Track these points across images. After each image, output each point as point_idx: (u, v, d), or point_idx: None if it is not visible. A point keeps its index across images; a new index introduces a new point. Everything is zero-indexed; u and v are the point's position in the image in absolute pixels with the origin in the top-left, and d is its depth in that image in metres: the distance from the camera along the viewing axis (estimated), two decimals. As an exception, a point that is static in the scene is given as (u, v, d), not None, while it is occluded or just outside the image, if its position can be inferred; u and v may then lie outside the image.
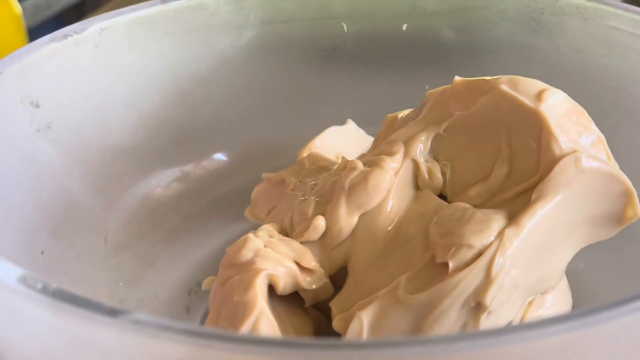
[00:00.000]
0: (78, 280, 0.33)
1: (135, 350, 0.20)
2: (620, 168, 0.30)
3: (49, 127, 0.35)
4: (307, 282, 0.31)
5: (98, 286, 0.34)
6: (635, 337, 0.21)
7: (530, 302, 0.30)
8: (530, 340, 0.19)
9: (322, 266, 0.31)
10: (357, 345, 0.20)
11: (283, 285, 0.30)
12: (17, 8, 0.54)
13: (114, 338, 0.20)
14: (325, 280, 0.31)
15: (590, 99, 0.33)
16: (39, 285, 0.20)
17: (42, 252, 0.32)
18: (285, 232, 0.33)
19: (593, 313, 0.20)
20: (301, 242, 0.31)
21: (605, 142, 0.31)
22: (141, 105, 0.40)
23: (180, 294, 0.36)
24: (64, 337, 0.21)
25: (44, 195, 0.34)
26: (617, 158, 0.31)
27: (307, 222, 0.32)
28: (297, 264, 0.31)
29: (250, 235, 0.31)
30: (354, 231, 0.32)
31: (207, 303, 0.31)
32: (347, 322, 0.29)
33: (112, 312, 0.20)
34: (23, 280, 0.21)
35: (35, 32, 0.54)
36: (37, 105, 0.34)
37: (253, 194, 0.38)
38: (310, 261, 0.31)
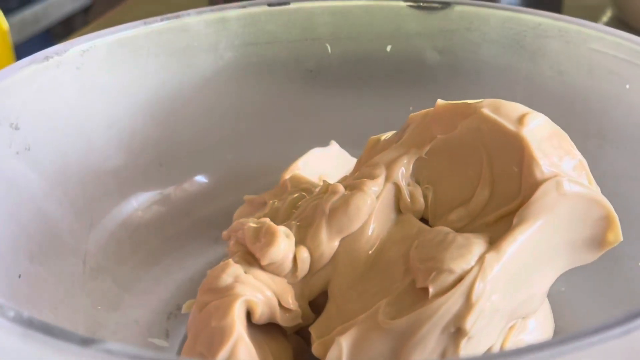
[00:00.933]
0: (56, 304, 0.33)
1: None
2: (602, 192, 0.30)
3: (29, 149, 0.35)
4: (283, 319, 0.31)
5: (76, 310, 0.34)
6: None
7: (511, 327, 0.30)
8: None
9: (301, 292, 0.31)
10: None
11: (260, 314, 0.30)
12: (4, 24, 0.54)
13: (86, 367, 0.20)
14: (300, 320, 0.31)
15: (572, 121, 0.33)
16: (11, 314, 0.20)
17: (20, 276, 0.32)
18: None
19: (570, 340, 0.20)
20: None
21: (587, 166, 0.31)
22: (123, 127, 0.40)
23: (159, 318, 0.36)
24: (36, 366, 0.21)
25: (23, 218, 0.34)
26: (599, 182, 0.31)
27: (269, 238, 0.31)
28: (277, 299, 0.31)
29: (231, 260, 0.31)
30: (334, 255, 0.31)
31: (186, 327, 0.30)
32: (327, 348, 0.29)
33: (85, 341, 0.19)
34: (-5, 309, 0.21)
35: (22, 47, 0.54)
36: (17, 127, 0.34)
37: (234, 216, 0.37)
38: (290, 302, 0.31)
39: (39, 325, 0.20)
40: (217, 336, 0.28)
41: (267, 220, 0.32)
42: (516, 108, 0.31)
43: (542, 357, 0.20)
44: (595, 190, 0.30)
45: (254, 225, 0.32)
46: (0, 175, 0.33)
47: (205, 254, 0.39)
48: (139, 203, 0.40)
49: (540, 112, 0.31)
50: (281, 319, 0.31)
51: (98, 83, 0.39)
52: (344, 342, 0.28)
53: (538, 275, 0.30)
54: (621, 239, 0.30)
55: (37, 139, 0.35)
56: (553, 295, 0.32)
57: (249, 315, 0.30)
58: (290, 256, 0.31)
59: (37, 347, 0.20)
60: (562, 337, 0.20)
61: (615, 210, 0.30)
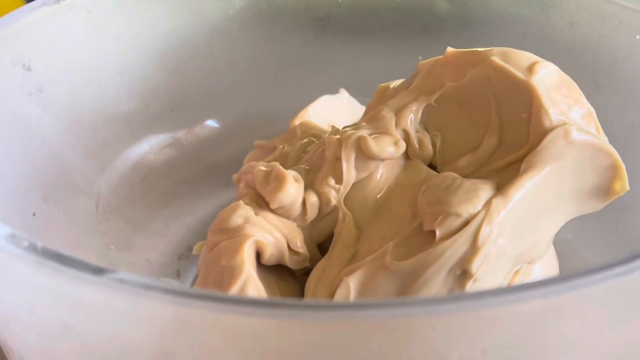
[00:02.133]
0: (69, 243, 0.34)
1: (119, 308, 0.21)
2: (610, 142, 0.30)
3: (41, 91, 0.35)
4: (292, 261, 0.31)
5: (89, 249, 0.35)
6: (612, 304, 0.21)
7: (516, 272, 0.31)
8: (506, 304, 0.19)
9: (310, 235, 0.32)
10: (340, 307, 0.20)
11: (269, 255, 0.30)
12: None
13: (98, 296, 0.20)
14: (308, 263, 0.32)
15: (582, 72, 0.33)
16: (25, 244, 0.21)
17: (34, 214, 0.32)
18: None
19: (569, 279, 0.20)
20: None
21: (595, 116, 0.31)
22: (134, 72, 0.40)
23: (171, 258, 0.37)
24: (50, 295, 0.22)
25: (36, 159, 0.34)
26: (607, 132, 0.31)
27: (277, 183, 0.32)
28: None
29: (241, 202, 0.31)
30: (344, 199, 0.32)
31: (197, 268, 0.31)
32: (333, 288, 0.29)
33: (97, 271, 0.20)
34: (10, 239, 0.21)
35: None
36: (29, 69, 0.34)
37: (245, 160, 0.38)
38: (299, 245, 0.31)
39: (53, 255, 0.20)
40: (227, 275, 0.29)
41: (277, 164, 0.32)
42: (526, 56, 0.31)
43: (545, 293, 0.20)
44: (603, 140, 0.30)
45: (264, 169, 0.32)
46: (14, 115, 0.34)
47: (216, 198, 0.40)
48: (150, 146, 0.41)
49: (550, 61, 0.31)
50: (290, 261, 0.31)
51: (109, 27, 0.39)
52: (352, 282, 0.29)
53: (544, 221, 0.30)
54: (627, 188, 0.30)
55: (49, 81, 0.36)
56: (559, 243, 0.33)
57: (258, 255, 0.30)
58: (300, 200, 0.31)
59: (51, 275, 0.20)
60: (564, 274, 0.20)
61: (623, 160, 0.30)
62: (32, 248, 0.21)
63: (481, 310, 0.19)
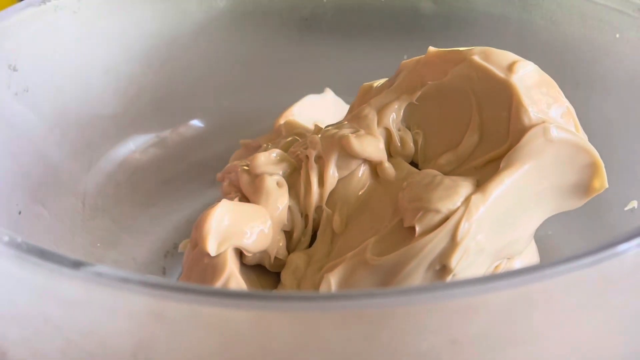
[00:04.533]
0: (56, 241, 0.34)
1: (98, 301, 0.21)
2: (589, 139, 0.31)
3: (27, 91, 0.35)
4: (272, 266, 0.32)
5: (76, 247, 0.35)
6: (580, 295, 0.22)
7: (496, 267, 0.31)
8: (475, 294, 0.20)
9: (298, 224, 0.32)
10: (313, 298, 0.20)
11: (250, 257, 0.31)
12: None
13: (77, 290, 0.21)
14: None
15: (562, 70, 0.34)
16: (6, 238, 0.21)
17: (20, 213, 0.33)
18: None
19: (537, 270, 0.20)
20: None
21: (574, 114, 0.31)
22: (119, 72, 0.41)
23: (156, 256, 0.37)
24: (30, 289, 0.22)
25: (22, 158, 0.35)
26: (586, 129, 0.31)
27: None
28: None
29: (223, 200, 0.32)
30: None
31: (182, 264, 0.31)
32: (315, 285, 0.30)
33: (75, 264, 0.20)
34: (-11, 234, 0.21)
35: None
36: (15, 69, 0.35)
37: (231, 159, 0.38)
38: (281, 253, 0.32)
39: (32, 249, 0.21)
40: (210, 272, 0.29)
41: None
42: (506, 56, 0.32)
43: (513, 283, 0.20)
44: (582, 138, 0.31)
45: (248, 174, 0.32)
46: (0, 115, 0.34)
47: (202, 196, 0.40)
48: (136, 145, 0.41)
49: (532, 61, 0.31)
50: (269, 265, 0.32)
51: (95, 27, 0.39)
52: (333, 279, 0.29)
53: (524, 218, 0.30)
54: (607, 185, 0.31)
55: (35, 82, 0.36)
56: (540, 239, 0.33)
57: (241, 254, 0.30)
58: (284, 205, 0.32)
59: (31, 270, 0.21)
60: (532, 265, 0.21)
61: (602, 157, 0.30)
62: (12, 243, 0.21)
63: (450, 301, 0.20)
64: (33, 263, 0.21)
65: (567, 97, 0.31)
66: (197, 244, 0.29)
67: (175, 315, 0.21)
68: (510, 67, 0.31)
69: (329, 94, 0.42)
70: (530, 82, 0.31)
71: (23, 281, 0.22)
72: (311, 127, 0.37)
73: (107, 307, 0.21)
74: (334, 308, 0.20)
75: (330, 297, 0.21)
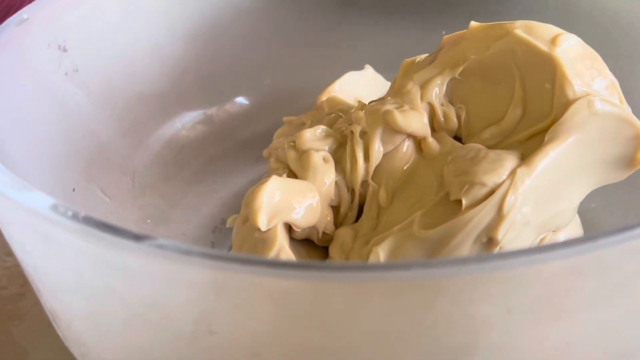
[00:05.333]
0: (108, 217, 0.34)
1: (160, 273, 0.21)
2: (633, 112, 0.31)
3: (77, 71, 0.36)
4: (320, 240, 0.32)
5: (127, 223, 0.36)
6: (633, 265, 0.22)
7: (542, 239, 0.31)
8: (530, 264, 0.20)
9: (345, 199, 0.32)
10: (368, 268, 0.21)
11: (299, 232, 0.31)
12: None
13: (139, 262, 0.21)
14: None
15: (605, 43, 0.33)
16: (69, 213, 0.22)
17: (74, 190, 0.33)
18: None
19: (590, 240, 0.20)
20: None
21: (618, 87, 0.31)
22: (165, 51, 0.41)
23: (205, 232, 0.38)
24: (94, 261, 0.22)
25: (74, 137, 0.35)
26: (630, 102, 0.31)
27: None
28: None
29: (273, 176, 0.32)
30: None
31: (231, 240, 0.32)
32: (364, 257, 0.30)
33: (137, 237, 0.21)
34: (55, 209, 0.22)
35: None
36: (65, 50, 0.35)
37: (275, 136, 0.38)
38: (329, 228, 0.32)
39: (95, 223, 0.21)
40: (260, 247, 0.30)
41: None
42: (549, 29, 0.32)
43: (567, 253, 0.20)
44: (626, 110, 0.31)
45: (294, 150, 0.33)
46: (52, 95, 0.35)
47: (247, 173, 0.41)
48: (182, 124, 0.42)
49: (574, 33, 0.31)
50: (317, 240, 0.32)
51: (140, 8, 0.40)
52: (381, 252, 0.30)
53: (568, 191, 0.30)
54: (651, 158, 0.31)
55: (84, 62, 0.36)
56: (584, 212, 0.33)
57: (290, 229, 0.31)
58: (331, 180, 0.32)
59: (94, 243, 0.21)
60: (585, 236, 0.21)
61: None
62: (75, 217, 0.21)
63: (505, 271, 0.20)
64: (96, 236, 0.21)
65: (610, 69, 0.31)
66: (248, 219, 0.30)
67: (235, 286, 0.21)
68: (553, 40, 0.31)
69: (369, 71, 0.42)
70: (574, 55, 0.31)
71: (87, 254, 0.22)
72: (353, 103, 0.37)
73: (169, 279, 0.21)
74: (389, 278, 0.20)
75: (385, 267, 0.21)
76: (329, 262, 0.31)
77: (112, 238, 0.21)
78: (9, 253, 0.37)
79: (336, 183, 0.32)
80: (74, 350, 0.28)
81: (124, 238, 0.21)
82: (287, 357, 0.23)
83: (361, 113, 0.33)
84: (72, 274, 0.23)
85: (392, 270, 0.20)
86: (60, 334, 0.28)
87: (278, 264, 0.21)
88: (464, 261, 0.20)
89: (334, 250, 0.32)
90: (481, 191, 0.29)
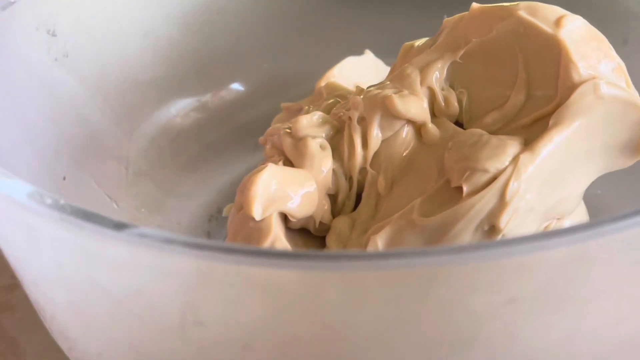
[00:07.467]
0: (100, 206, 0.34)
1: (142, 263, 0.21)
2: (640, 96, 0.30)
3: (67, 56, 0.35)
4: (317, 230, 0.31)
5: (121, 212, 0.35)
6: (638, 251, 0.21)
7: (546, 227, 0.30)
8: (532, 252, 0.19)
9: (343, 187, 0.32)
10: (362, 256, 0.20)
11: (295, 222, 0.30)
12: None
13: (120, 252, 0.21)
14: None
15: (610, 25, 0.33)
16: (48, 201, 0.21)
17: (64, 178, 0.33)
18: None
19: (595, 226, 0.20)
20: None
21: (625, 70, 0.30)
22: (159, 36, 0.40)
23: (201, 220, 0.37)
24: (75, 251, 0.22)
25: (65, 123, 0.35)
26: (637, 86, 0.30)
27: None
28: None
29: (270, 164, 0.32)
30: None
31: (227, 229, 0.31)
32: (362, 246, 0.30)
33: (118, 226, 0.20)
34: (32, 196, 0.21)
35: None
36: (54, 34, 0.35)
37: (272, 123, 0.38)
38: (326, 218, 0.31)
39: (76, 211, 0.21)
40: (255, 236, 0.29)
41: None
42: (553, 10, 0.31)
43: (571, 240, 0.20)
44: (633, 94, 0.30)
45: (290, 136, 0.32)
46: (41, 81, 0.34)
47: (244, 160, 0.40)
48: (177, 110, 0.41)
49: (579, 15, 0.31)
50: (314, 230, 0.31)
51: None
52: (380, 240, 0.29)
53: (573, 177, 0.30)
54: (658, 143, 0.30)
55: (75, 46, 0.36)
56: (589, 198, 0.32)
57: (286, 218, 0.30)
58: (328, 168, 0.31)
59: (75, 232, 0.21)
60: (590, 221, 0.20)
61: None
62: (54, 205, 0.21)
63: (506, 259, 0.19)
64: (76, 225, 0.21)
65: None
66: (242, 208, 0.29)
67: (221, 276, 0.20)
68: (557, 22, 0.30)
69: (369, 56, 0.41)
70: (579, 37, 0.30)
71: (68, 244, 0.22)
72: (352, 88, 0.37)
73: (152, 268, 0.21)
74: (385, 267, 0.19)
75: (381, 255, 0.21)
76: (321, 251, 0.31)
77: (93, 227, 0.20)
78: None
79: (333, 171, 0.32)
80: (60, 342, 0.27)
81: (105, 227, 0.20)
82: (279, 349, 0.22)
83: (359, 98, 0.32)
84: (53, 264, 0.23)
85: (386, 258, 0.20)
86: (46, 325, 0.28)
87: (265, 253, 0.21)
88: (462, 249, 0.19)
89: (331, 240, 0.31)
90: (483, 178, 0.28)
